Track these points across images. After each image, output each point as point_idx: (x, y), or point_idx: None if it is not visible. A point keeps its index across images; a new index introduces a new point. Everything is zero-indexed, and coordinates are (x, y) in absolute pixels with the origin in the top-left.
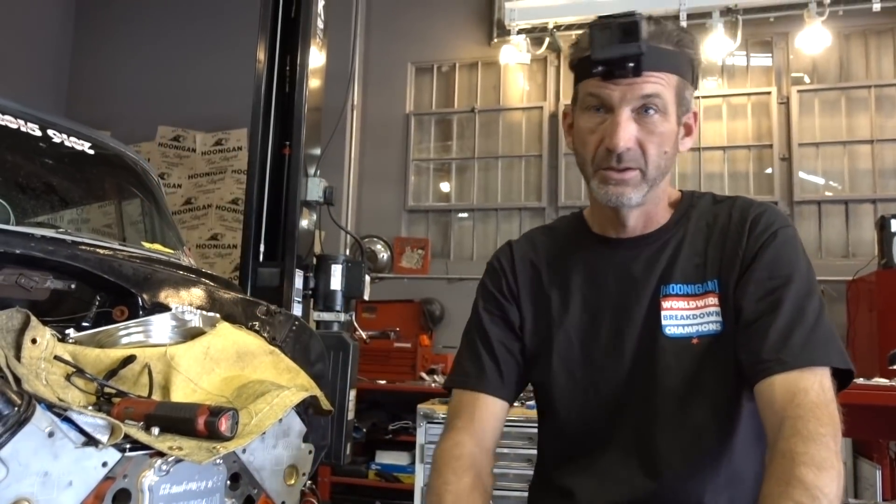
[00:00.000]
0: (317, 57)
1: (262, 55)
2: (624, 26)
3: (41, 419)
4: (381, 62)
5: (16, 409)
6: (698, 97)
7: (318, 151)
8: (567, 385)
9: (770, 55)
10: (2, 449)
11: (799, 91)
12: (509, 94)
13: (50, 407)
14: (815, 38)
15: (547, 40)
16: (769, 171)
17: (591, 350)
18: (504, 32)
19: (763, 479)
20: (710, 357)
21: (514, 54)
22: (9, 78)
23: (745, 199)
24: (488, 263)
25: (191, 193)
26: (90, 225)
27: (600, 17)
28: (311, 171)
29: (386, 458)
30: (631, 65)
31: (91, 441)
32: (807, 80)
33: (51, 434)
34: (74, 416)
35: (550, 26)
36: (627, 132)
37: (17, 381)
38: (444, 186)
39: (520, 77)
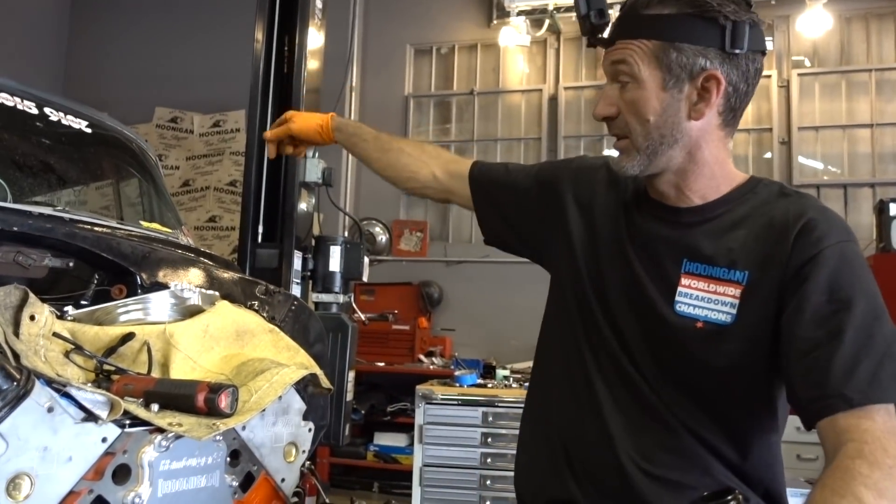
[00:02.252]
0: (315, 38)
1: (260, 36)
2: (599, 8)
3: (40, 394)
4: (379, 44)
5: (15, 383)
6: None
7: None
8: (555, 328)
9: (771, 38)
10: (1, 423)
11: (799, 74)
12: (508, 77)
13: (49, 382)
14: (816, 22)
15: (547, 22)
16: (768, 155)
17: (603, 302)
18: (503, 14)
19: (815, 486)
20: (710, 344)
21: (514, 36)
22: (6, 61)
23: (807, 199)
24: (577, 161)
25: (188, 175)
26: (88, 204)
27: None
28: (310, 153)
29: (384, 439)
30: (605, 35)
31: (90, 417)
32: (807, 63)
33: (50, 409)
34: (74, 392)
35: (550, 8)
36: (606, 99)
37: (16, 356)
38: None
39: (519, 59)
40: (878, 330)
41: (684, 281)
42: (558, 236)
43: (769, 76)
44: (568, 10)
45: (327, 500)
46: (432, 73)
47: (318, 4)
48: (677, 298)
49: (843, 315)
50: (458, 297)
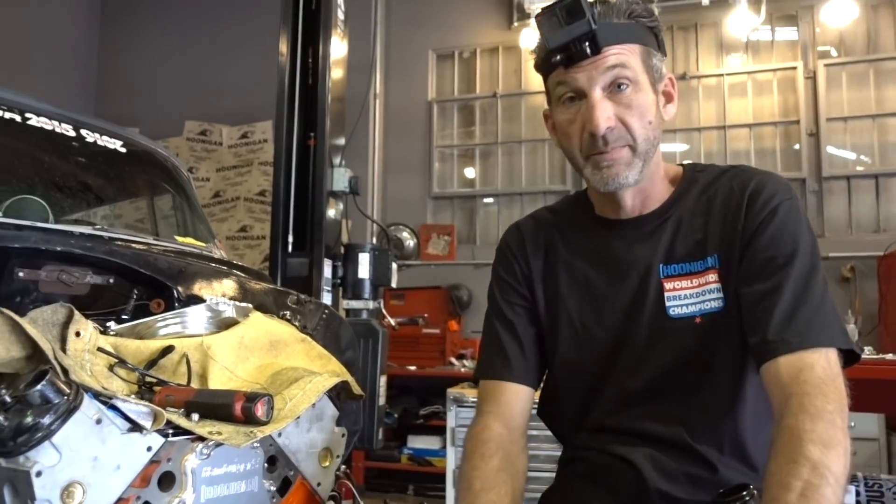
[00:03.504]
0: (338, 48)
1: (284, 48)
2: (567, 7)
3: (89, 407)
4: (401, 50)
5: (66, 398)
6: (722, 74)
7: (342, 142)
8: (571, 367)
9: (796, 28)
10: (55, 435)
11: (826, 65)
12: (531, 78)
13: (96, 396)
14: (841, 10)
15: None
16: (797, 147)
17: (596, 335)
18: (524, 16)
19: (769, 456)
20: (713, 334)
21: (535, 37)
22: (40, 77)
23: (744, 170)
24: (498, 249)
25: (219, 186)
26: (124, 221)
27: (543, 8)
28: (337, 161)
29: (418, 442)
30: (586, 44)
31: (136, 427)
32: (834, 53)
33: (98, 421)
34: (119, 404)
35: None
36: (604, 111)
37: (65, 371)
38: (469, 172)
39: None
40: (814, 281)
41: (667, 285)
42: (548, 317)
43: (795, 68)
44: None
45: (361, 503)
46: (455, 77)
47: (340, 15)
48: (668, 304)
49: (785, 269)
50: (486, 299)
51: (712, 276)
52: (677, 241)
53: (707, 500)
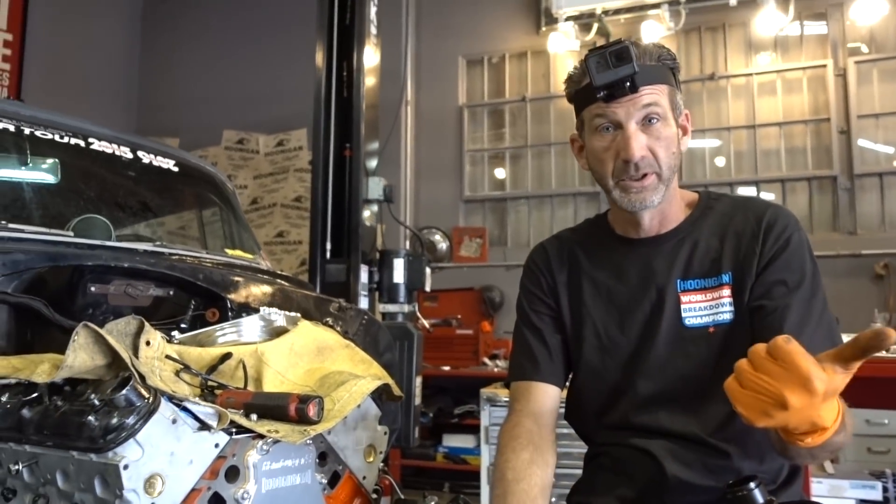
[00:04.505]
0: (371, 57)
1: (320, 59)
2: (616, 52)
3: (165, 408)
4: (432, 57)
5: (146, 400)
6: (751, 74)
7: (377, 152)
8: (595, 371)
9: (825, 24)
10: (138, 434)
11: (856, 62)
12: (559, 82)
13: (170, 398)
14: (871, 7)
15: (595, 26)
16: (828, 145)
17: (618, 342)
18: (552, 20)
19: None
20: (725, 343)
21: (563, 42)
22: (83, 91)
23: (757, 201)
24: (525, 266)
25: (256, 193)
26: (177, 235)
27: (591, 50)
28: (371, 166)
29: (453, 441)
30: (628, 84)
31: (204, 426)
32: (864, 49)
33: (174, 421)
34: (190, 406)
35: (598, 11)
36: (639, 142)
37: (142, 377)
38: (500, 173)
39: (569, 63)
40: (816, 303)
41: (684, 298)
42: (573, 326)
43: (825, 66)
44: (616, 12)
45: (402, 496)
46: (484, 82)
47: (373, 29)
48: (683, 315)
49: (792, 293)
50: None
51: (726, 292)
52: (694, 259)
53: (719, 485)
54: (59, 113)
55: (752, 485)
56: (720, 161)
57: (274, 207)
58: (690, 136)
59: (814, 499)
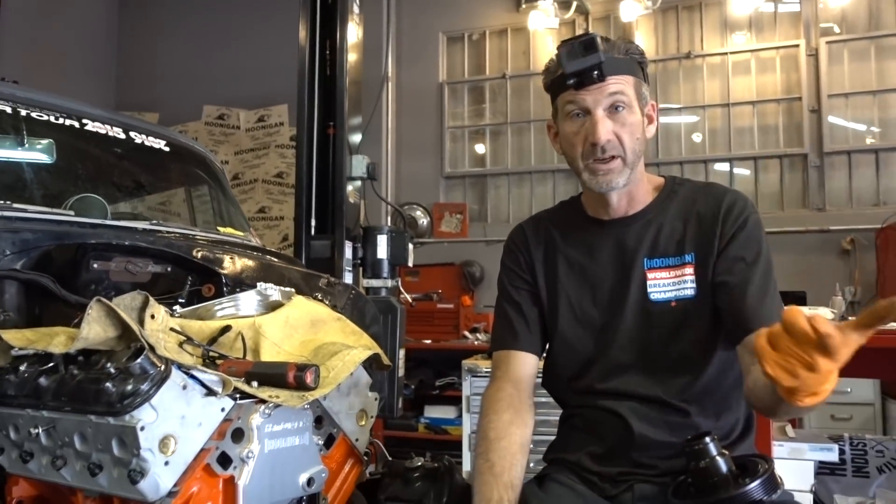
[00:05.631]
0: (354, 34)
1: (303, 35)
2: (585, 43)
3: (176, 376)
4: (412, 34)
5: (159, 368)
6: (726, 53)
7: (359, 130)
8: (569, 341)
9: (798, 3)
10: (153, 398)
11: (828, 42)
12: (539, 59)
13: (179, 367)
14: None
15: (574, 4)
16: (798, 123)
17: (591, 314)
18: None
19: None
20: (685, 315)
21: (543, 19)
22: (61, 66)
23: (718, 187)
24: (505, 245)
25: (237, 169)
26: (170, 214)
27: (563, 41)
28: (355, 140)
29: (434, 412)
30: (595, 73)
31: (210, 392)
32: (836, 30)
33: (184, 387)
34: (197, 374)
35: None
36: (605, 127)
37: (152, 348)
38: (480, 149)
39: (549, 41)
40: (770, 277)
41: (650, 275)
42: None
43: (797, 45)
44: None
45: (389, 458)
46: (465, 59)
47: (356, 3)
48: (649, 290)
49: (753, 266)
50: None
51: (689, 270)
52: (660, 240)
53: (680, 441)
54: (54, 94)
55: (708, 439)
56: (697, 137)
57: (255, 183)
58: (656, 125)
59: (777, 470)
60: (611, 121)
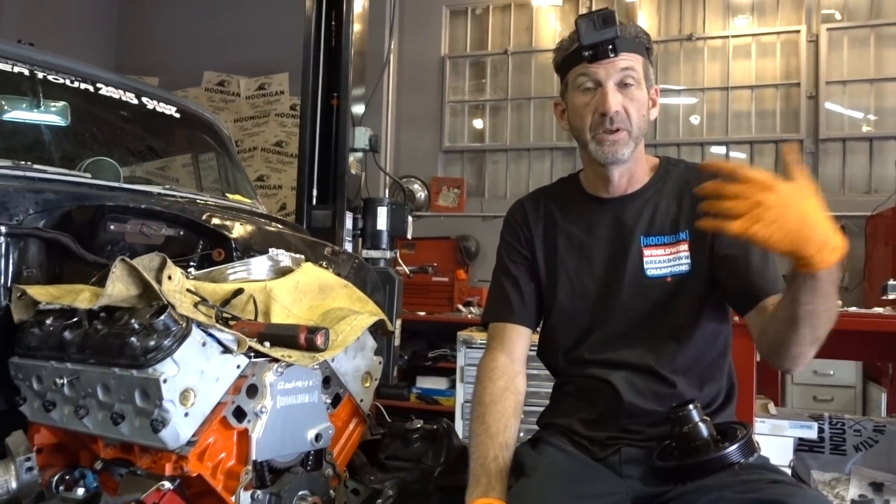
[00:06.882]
0: (359, 4)
1: (309, 8)
2: (603, 16)
3: (196, 333)
4: (416, 6)
5: (180, 325)
6: (727, 36)
7: (362, 102)
8: (567, 313)
9: None
10: (174, 353)
11: (828, 29)
12: (541, 36)
13: (198, 325)
14: None
15: None
16: (796, 109)
17: (589, 288)
18: None
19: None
20: (680, 291)
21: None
22: (62, 30)
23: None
24: (505, 220)
25: (237, 136)
26: (180, 180)
27: (581, 15)
28: (358, 112)
29: (426, 382)
30: (610, 47)
31: (227, 350)
32: (837, 16)
33: (203, 344)
34: (215, 332)
35: None
36: (616, 98)
37: (172, 306)
38: (479, 125)
39: (552, 18)
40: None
41: (646, 252)
42: (548, 271)
43: (798, 31)
44: None
45: (388, 419)
46: (467, 33)
47: None
48: (646, 266)
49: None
50: (493, 251)
51: (683, 247)
52: (657, 218)
53: (664, 410)
54: (68, 58)
55: (691, 406)
56: (695, 119)
57: (254, 151)
58: (658, 108)
59: (756, 437)
60: (620, 94)
